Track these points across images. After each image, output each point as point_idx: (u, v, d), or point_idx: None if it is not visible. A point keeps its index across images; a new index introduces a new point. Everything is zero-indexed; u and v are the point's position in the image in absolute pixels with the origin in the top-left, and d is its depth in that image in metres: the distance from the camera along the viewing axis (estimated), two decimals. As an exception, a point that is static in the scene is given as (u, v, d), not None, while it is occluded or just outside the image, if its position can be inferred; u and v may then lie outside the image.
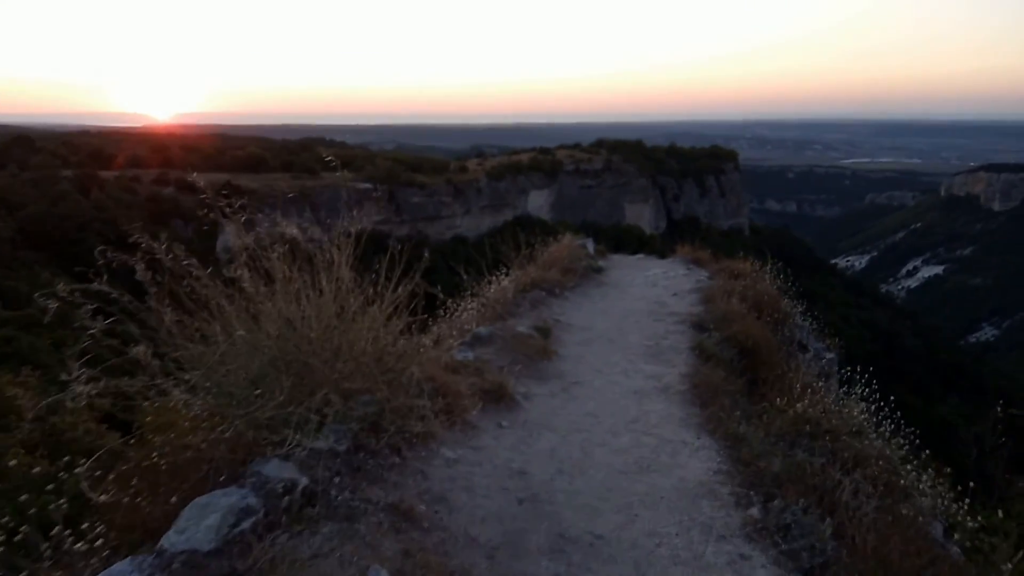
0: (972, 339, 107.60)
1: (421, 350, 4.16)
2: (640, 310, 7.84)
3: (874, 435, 4.71)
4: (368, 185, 50.12)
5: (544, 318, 6.92)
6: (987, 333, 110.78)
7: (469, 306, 7.12)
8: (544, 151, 77.71)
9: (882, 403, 5.41)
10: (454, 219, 57.20)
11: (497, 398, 4.69)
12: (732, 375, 5.69)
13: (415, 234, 51.81)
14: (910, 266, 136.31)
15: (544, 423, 4.62)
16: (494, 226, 61.14)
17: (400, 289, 3.98)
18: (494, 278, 7.74)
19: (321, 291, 3.69)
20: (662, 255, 12.00)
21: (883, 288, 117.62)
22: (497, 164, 68.20)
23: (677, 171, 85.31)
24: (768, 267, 8.98)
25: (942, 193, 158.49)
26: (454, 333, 6.05)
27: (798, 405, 4.63)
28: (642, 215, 79.07)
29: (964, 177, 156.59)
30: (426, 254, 4.62)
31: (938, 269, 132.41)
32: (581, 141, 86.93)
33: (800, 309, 8.44)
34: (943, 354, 74.82)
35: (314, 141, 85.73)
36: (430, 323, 5.87)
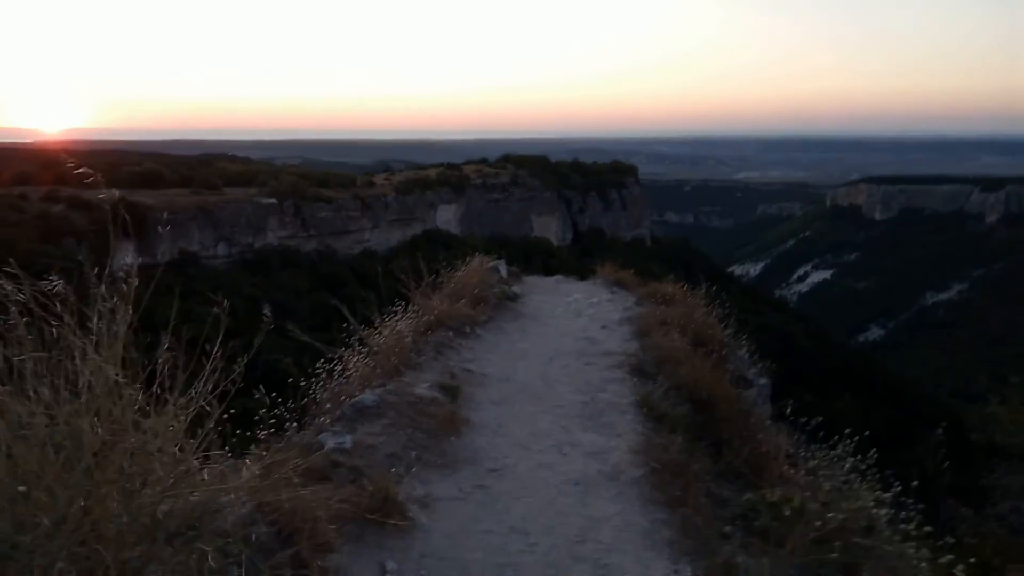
0: (861, 339, 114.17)
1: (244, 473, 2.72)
2: (567, 350, 6.74)
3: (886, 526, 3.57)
4: (273, 200, 49.14)
5: (452, 369, 5.69)
6: (875, 333, 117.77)
7: (354, 361, 5.55)
8: (452, 166, 78.15)
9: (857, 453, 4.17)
10: (363, 233, 56.73)
11: (381, 516, 3.22)
12: (692, 442, 4.70)
13: (323, 249, 51.14)
14: (801, 272, 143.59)
15: (449, 556, 3.20)
16: (403, 239, 60.97)
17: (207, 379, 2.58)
18: (388, 316, 6.34)
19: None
20: (581, 275, 11.07)
21: (777, 293, 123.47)
22: (405, 179, 68.10)
23: (581, 185, 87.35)
24: (700, 291, 8.28)
25: (827, 204, 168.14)
26: (327, 406, 4.85)
27: (795, 499, 3.54)
28: (549, 227, 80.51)
29: (847, 189, 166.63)
30: (267, 312, 3.35)
31: (826, 274, 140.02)
32: (487, 156, 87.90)
33: (737, 337, 7.60)
34: (835, 353, 79.15)
35: (215, 156, 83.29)
36: (308, 383, 5.07)
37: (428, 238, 63.32)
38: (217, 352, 2.61)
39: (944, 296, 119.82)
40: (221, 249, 44.00)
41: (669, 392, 5.31)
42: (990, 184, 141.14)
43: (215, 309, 2.69)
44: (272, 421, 4.00)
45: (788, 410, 5.16)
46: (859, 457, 4.07)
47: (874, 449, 4.19)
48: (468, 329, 6.88)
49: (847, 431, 4.32)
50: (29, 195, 37.04)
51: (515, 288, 9.07)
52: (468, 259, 9.17)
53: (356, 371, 5.42)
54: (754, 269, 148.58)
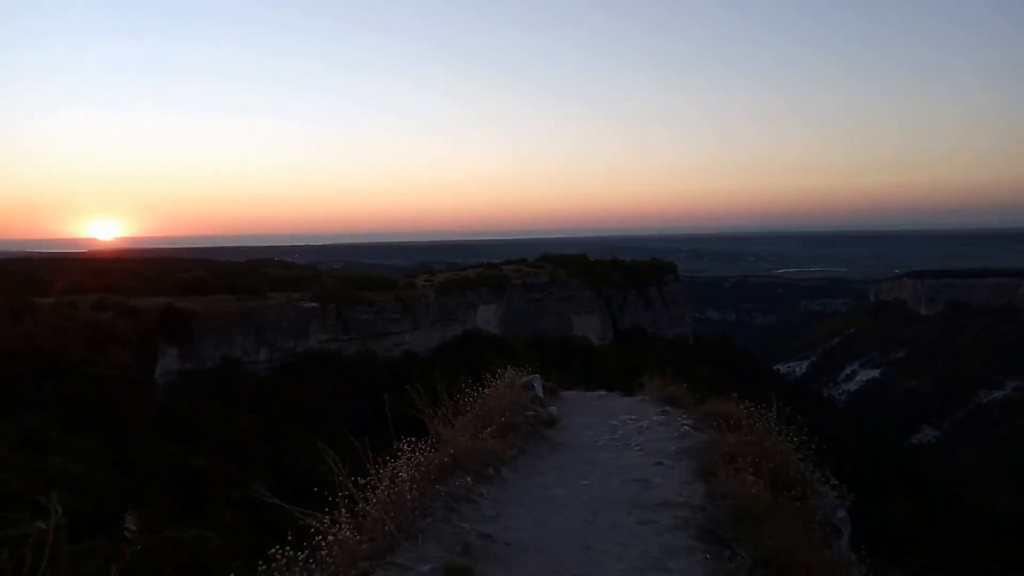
0: (914, 440, 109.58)
1: None
2: (614, 498, 5.44)
3: None
4: (315, 304, 49.82)
5: (465, 537, 4.40)
6: (928, 435, 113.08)
7: (338, 527, 4.27)
8: (491, 266, 78.99)
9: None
10: (403, 335, 56.94)
11: None
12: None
13: (364, 352, 51.29)
14: (848, 370, 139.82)
15: None
16: (443, 341, 61.01)
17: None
18: (391, 457, 5.17)
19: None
20: (627, 389, 9.88)
21: (825, 392, 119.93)
22: (445, 280, 68.86)
23: (620, 283, 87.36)
24: (771, 413, 6.84)
25: (871, 299, 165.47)
26: None
27: None
28: (589, 326, 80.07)
29: (890, 284, 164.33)
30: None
31: (875, 372, 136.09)
32: (526, 256, 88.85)
33: (819, 467, 6.22)
34: (888, 456, 75.82)
35: (261, 262, 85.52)
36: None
37: (468, 339, 63.27)
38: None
39: (999, 394, 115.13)
40: (263, 354, 44.35)
41: (754, 571, 4.20)
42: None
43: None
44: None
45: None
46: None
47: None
48: (492, 471, 5.62)
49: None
50: (78, 303, 37.99)
51: (552, 408, 7.91)
52: (499, 373, 8.09)
53: (336, 548, 4.12)
54: (800, 368, 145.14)
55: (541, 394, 8.34)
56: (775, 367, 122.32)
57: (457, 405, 6.45)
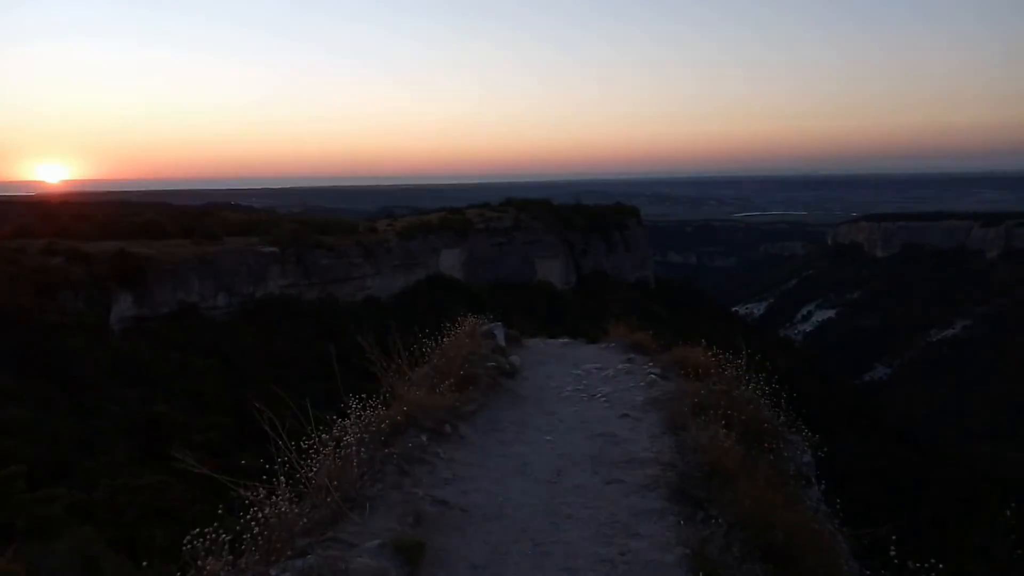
0: (867, 378, 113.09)
1: None
2: (580, 455, 5.11)
3: None
4: (274, 249, 48.89)
5: (418, 504, 4.07)
6: (880, 372, 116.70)
7: (275, 498, 3.80)
8: (454, 211, 78.23)
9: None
10: (365, 280, 56.37)
11: None
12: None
13: (325, 297, 50.75)
14: (804, 311, 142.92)
15: None
16: (406, 286, 60.65)
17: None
18: (337, 416, 4.80)
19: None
20: (591, 336, 9.59)
21: (781, 332, 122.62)
22: (407, 224, 68.09)
23: (584, 227, 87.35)
24: (740, 360, 6.47)
25: (829, 242, 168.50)
26: None
27: None
28: (553, 271, 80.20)
29: (848, 227, 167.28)
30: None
31: (830, 313, 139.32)
32: (490, 200, 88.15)
33: (787, 415, 5.92)
34: (840, 394, 78.22)
35: (218, 206, 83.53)
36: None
37: (431, 284, 62.98)
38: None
39: (949, 333, 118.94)
40: (221, 299, 43.56)
41: (731, 535, 3.81)
42: (990, 220, 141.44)
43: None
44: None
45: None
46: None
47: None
48: (449, 427, 5.19)
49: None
50: (27, 248, 36.71)
51: (514, 358, 7.47)
52: (460, 320, 7.65)
53: (272, 522, 3.64)
54: (758, 309, 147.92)
55: (503, 343, 7.95)
56: (734, 309, 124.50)
57: (414, 356, 6.05)
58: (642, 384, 6.76)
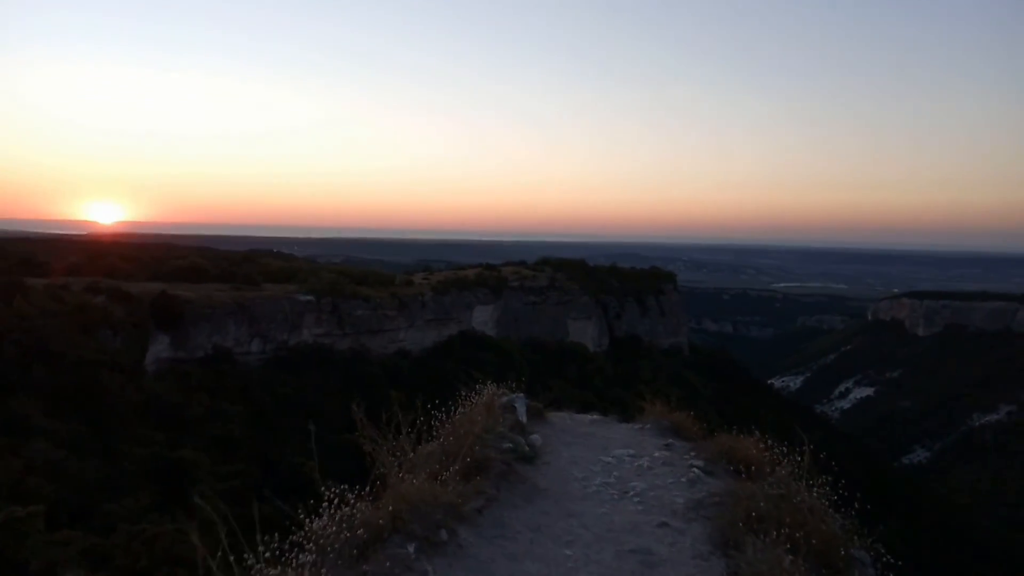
0: (905, 460, 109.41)
1: None
2: None
3: None
4: (310, 297, 49.42)
5: None
6: (919, 455, 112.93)
7: None
8: (490, 267, 78.65)
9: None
10: (397, 332, 56.53)
11: None
12: None
13: (358, 347, 50.91)
14: (842, 387, 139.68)
15: None
16: (438, 340, 60.64)
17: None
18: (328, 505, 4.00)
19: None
20: (625, 414, 8.73)
21: (818, 408, 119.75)
22: (443, 279, 68.46)
23: (618, 290, 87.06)
24: (799, 454, 5.47)
25: (869, 317, 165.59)
26: None
27: None
28: (585, 332, 79.72)
29: (889, 303, 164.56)
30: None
31: (869, 391, 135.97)
32: (525, 259, 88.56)
33: (856, 530, 4.85)
34: (880, 477, 75.61)
35: (260, 252, 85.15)
36: None
37: (464, 339, 62.92)
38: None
39: (992, 418, 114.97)
40: (255, 345, 43.92)
41: None
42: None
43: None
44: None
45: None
46: None
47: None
48: (446, 533, 4.19)
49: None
50: (72, 286, 37.59)
51: (534, 437, 6.67)
52: (477, 390, 6.86)
53: None
54: (794, 383, 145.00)
55: (524, 419, 7.10)
56: (770, 381, 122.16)
57: (420, 430, 5.19)
58: (683, 480, 5.85)
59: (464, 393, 6.55)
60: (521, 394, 7.53)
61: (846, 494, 5.08)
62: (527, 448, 6.21)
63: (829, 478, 5.16)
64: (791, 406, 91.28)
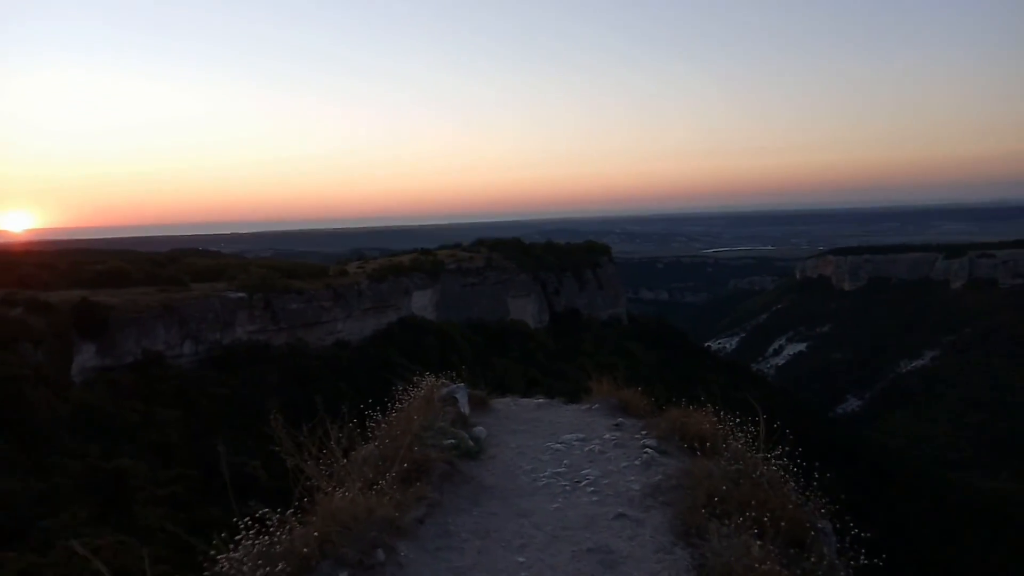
0: (839, 410, 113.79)
1: None
2: None
3: None
4: (241, 294, 48.05)
5: None
6: (852, 404, 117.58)
7: None
8: (426, 252, 78.03)
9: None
10: (335, 323, 55.57)
11: None
12: None
13: (294, 342, 49.87)
14: (776, 345, 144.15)
15: None
16: (378, 328, 59.93)
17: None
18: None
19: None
20: (572, 394, 8.27)
21: (754, 366, 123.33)
22: (378, 266, 67.57)
23: (556, 266, 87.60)
24: (754, 424, 5.26)
25: (797, 276, 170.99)
26: None
27: None
28: (525, 310, 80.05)
29: (815, 261, 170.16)
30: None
31: (801, 346, 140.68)
32: (461, 241, 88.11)
33: (812, 495, 4.64)
34: (817, 427, 78.46)
35: (184, 252, 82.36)
36: None
37: (403, 326, 62.36)
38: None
39: (918, 363, 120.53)
40: (188, 347, 42.54)
41: None
42: (953, 251, 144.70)
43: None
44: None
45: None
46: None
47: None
48: (383, 552, 3.68)
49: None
50: (-15, 299, 35.63)
51: (478, 429, 6.24)
52: (415, 382, 6.38)
53: None
54: (730, 343, 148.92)
55: (466, 410, 6.67)
56: (707, 344, 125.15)
57: (352, 434, 4.67)
58: (637, 463, 5.47)
59: (401, 387, 6.12)
60: (462, 384, 7.14)
61: (803, 463, 4.85)
62: (471, 442, 5.82)
63: (785, 447, 4.92)
64: (729, 367, 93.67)
